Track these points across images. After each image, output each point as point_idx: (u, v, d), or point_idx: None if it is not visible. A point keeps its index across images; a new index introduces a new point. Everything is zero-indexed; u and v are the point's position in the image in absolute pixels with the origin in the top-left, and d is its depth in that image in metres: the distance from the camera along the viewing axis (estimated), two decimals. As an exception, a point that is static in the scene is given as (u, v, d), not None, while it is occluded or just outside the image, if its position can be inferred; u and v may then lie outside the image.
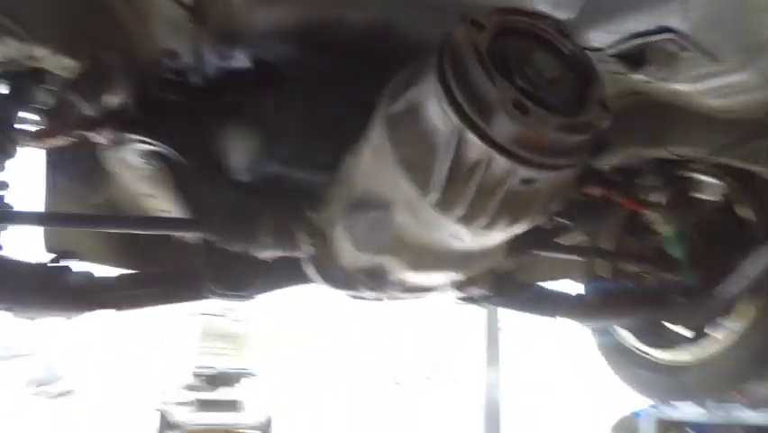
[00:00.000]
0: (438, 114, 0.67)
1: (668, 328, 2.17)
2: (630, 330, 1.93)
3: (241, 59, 1.24)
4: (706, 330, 2.00)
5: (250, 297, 1.35)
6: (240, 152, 1.29)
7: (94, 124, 1.18)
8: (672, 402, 4.06)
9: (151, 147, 1.34)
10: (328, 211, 1.10)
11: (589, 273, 1.97)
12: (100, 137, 1.25)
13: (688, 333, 2.15)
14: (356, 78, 1.18)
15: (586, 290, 1.91)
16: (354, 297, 1.25)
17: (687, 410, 4.02)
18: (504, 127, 0.64)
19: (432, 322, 15.86)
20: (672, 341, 2.20)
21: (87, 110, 1.12)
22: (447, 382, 14.96)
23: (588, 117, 0.68)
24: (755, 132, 1.13)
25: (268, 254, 1.24)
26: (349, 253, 1.07)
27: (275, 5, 1.10)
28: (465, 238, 0.82)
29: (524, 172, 0.68)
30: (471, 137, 0.65)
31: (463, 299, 1.35)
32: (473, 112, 0.65)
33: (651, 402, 4.57)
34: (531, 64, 0.69)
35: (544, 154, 0.67)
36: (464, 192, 0.71)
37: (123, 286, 1.37)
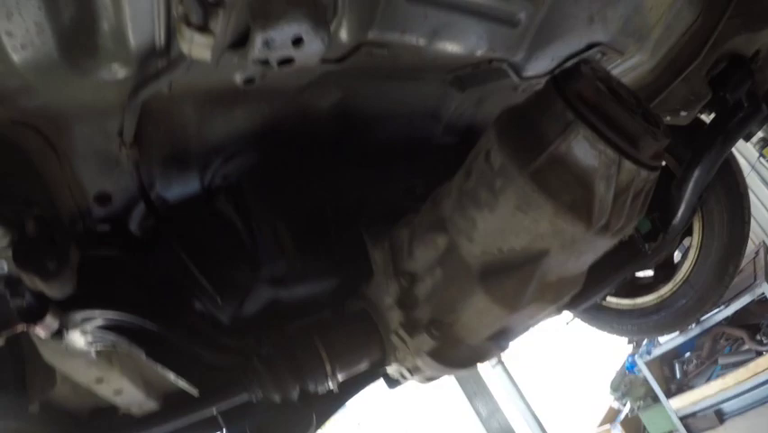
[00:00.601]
0: (592, 155, 0.78)
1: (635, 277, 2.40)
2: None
3: (193, 181, 1.07)
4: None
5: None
6: (222, 289, 1.11)
7: (34, 314, 0.92)
8: (656, 340, 4.42)
9: (105, 322, 1.08)
10: (442, 298, 0.99)
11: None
12: (40, 329, 0.96)
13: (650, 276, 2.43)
14: (326, 169, 1.15)
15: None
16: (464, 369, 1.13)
17: (666, 341, 4.38)
18: (648, 148, 0.81)
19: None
20: (641, 287, 2.43)
21: (28, 297, 0.88)
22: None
23: (663, 131, 0.87)
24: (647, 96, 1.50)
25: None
26: (482, 323, 0.98)
27: (236, 107, 0.98)
28: (605, 248, 0.91)
29: (653, 177, 0.84)
30: (627, 164, 0.79)
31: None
32: (625, 144, 0.79)
33: (629, 352, 4.89)
34: (622, 98, 0.85)
35: (660, 160, 0.86)
36: (623, 209, 0.83)
37: None
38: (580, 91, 0.81)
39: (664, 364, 4.79)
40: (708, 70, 1.63)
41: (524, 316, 0.97)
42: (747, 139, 2.00)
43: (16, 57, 0.71)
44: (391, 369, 1.16)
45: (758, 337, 4.26)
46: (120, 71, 0.78)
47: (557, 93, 0.82)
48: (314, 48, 0.75)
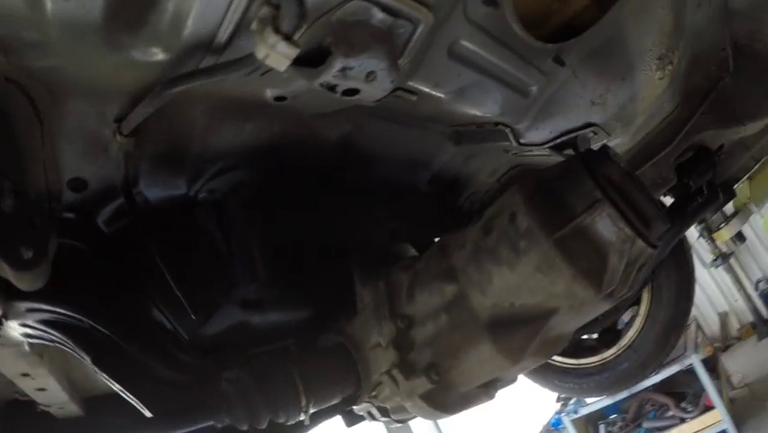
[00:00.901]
0: (612, 231, 0.88)
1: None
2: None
3: (179, 186, 1.02)
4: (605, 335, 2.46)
5: None
6: (192, 303, 1.05)
7: None
8: (583, 400, 4.55)
9: (52, 317, 0.99)
10: (444, 343, 1.01)
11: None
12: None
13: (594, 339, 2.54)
14: (315, 200, 1.14)
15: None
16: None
17: (593, 402, 4.52)
18: (657, 230, 0.94)
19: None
20: (585, 348, 2.54)
21: None
22: None
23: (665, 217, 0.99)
24: None
25: None
26: (482, 371, 1.01)
27: (250, 120, 0.96)
28: (601, 312, 1.01)
29: (652, 254, 0.94)
30: (639, 242, 0.89)
31: None
32: (640, 224, 0.90)
33: (557, 409, 4.99)
34: (637, 183, 0.96)
35: (660, 240, 0.98)
36: (627, 280, 0.92)
37: None
38: (608, 173, 0.91)
39: (590, 425, 4.93)
40: (676, 158, 1.79)
41: (519, 368, 1.02)
42: (701, 223, 2.17)
43: (51, 5, 0.62)
44: (360, 407, 1.16)
45: (683, 405, 4.48)
46: (157, 55, 0.72)
47: (587, 172, 0.91)
48: (382, 85, 0.77)
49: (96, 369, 1.02)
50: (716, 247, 5.91)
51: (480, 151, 1.38)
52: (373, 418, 1.17)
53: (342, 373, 1.09)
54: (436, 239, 1.37)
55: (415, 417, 1.11)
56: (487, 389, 1.06)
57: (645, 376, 2.67)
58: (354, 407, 1.16)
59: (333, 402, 1.10)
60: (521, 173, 1.60)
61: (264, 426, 1.00)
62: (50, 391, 1.36)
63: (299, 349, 1.20)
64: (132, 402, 1.05)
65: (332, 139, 1.10)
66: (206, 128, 0.94)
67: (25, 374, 1.24)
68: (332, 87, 0.76)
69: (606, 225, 0.87)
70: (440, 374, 0.99)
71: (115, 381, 1.01)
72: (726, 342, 6.41)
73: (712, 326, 6.53)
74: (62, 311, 0.95)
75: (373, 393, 1.09)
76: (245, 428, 1.00)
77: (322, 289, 1.17)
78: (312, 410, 1.04)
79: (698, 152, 1.90)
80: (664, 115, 1.55)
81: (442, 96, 0.99)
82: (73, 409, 1.46)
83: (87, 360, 1.01)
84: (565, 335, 1.04)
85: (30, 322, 1.00)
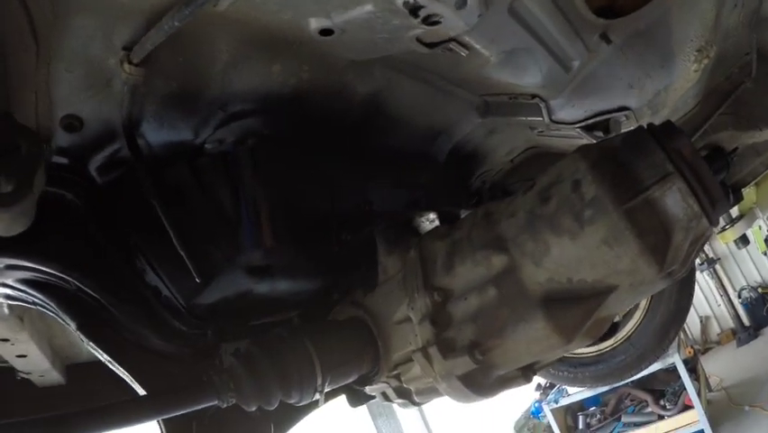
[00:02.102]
0: (681, 206, 0.84)
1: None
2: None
3: (186, 131, 0.91)
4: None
5: None
6: (194, 264, 0.93)
7: None
8: (564, 390, 4.59)
9: (34, 276, 0.88)
10: (489, 320, 0.93)
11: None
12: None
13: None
14: (333, 161, 1.05)
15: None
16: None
17: (574, 393, 4.56)
18: (721, 210, 0.89)
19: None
20: None
21: None
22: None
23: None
24: None
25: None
26: (529, 351, 0.94)
27: (279, 61, 0.86)
28: (653, 292, 1.02)
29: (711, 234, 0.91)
30: (704, 220, 0.85)
31: None
32: (707, 203, 0.85)
33: (536, 398, 5.04)
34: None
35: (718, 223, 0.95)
36: (687, 259, 0.88)
37: None
38: (679, 147, 0.86)
39: (569, 414, 5.00)
40: (691, 155, 1.76)
41: (568, 348, 0.95)
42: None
43: None
44: (374, 387, 1.07)
45: (662, 402, 4.56)
46: None
47: (657, 143, 0.86)
48: (469, 17, 0.71)
49: (82, 336, 0.92)
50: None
51: (503, 126, 1.32)
52: (387, 398, 1.08)
53: (361, 349, 1.00)
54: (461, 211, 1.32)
55: (435, 399, 1.04)
56: (526, 371, 0.99)
57: (641, 370, 2.68)
58: (368, 386, 1.07)
59: (349, 381, 1.01)
60: (536, 155, 1.55)
61: (274, 407, 0.90)
62: (30, 358, 1.28)
63: (312, 321, 1.12)
64: (123, 377, 0.95)
65: (360, 94, 1.02)
66: (229, 66, 0.83)
67: (4, 339, 1.17)
68: (415, 9, 0.69)
69: (675, 201, 0.84)
70: (484, 354, 0.92)
71: (103, 351, 0.92)
72: (705, 345, 6.54)
73: (693, 328, 6.63)
74: (45, 269, 0.84)
75: (395, 372, 1.01)
76: (253, 408, 0.89)
77: (336, 257, 1.09)
78: (327, 389, 0.95)
79: (712, 151, 1.90)
80: (686, 111, 1.52)
81: (490, 56, 0.92)
82: (55, 376, 1.39)
83: (72, 326, 0.91)
84: (612, 315, 0.99)
85: (9, 281, 0.89)
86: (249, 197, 0.94)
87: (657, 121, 1.43)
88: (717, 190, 0.86)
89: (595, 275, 0.88)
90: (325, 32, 0.79)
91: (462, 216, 1.30)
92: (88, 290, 0.88)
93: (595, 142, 1.27)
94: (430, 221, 1.35)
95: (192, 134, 0.92)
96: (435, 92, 1.12)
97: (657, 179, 0.84)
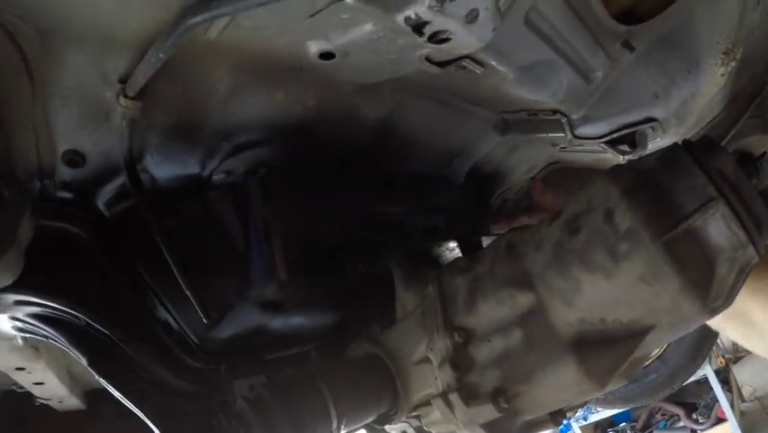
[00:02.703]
0: (725, 235, 0.76)
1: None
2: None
3: (192, 164, 0.89)
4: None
5: None
6: (203, 301, 0.90)
7: None
8: (593, 406, 4.45)
9: (43, 312, 0.87)
10: (516, 364, 0.87)
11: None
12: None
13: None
14: (346, 189, 1.01)
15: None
16: None
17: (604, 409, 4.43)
18: (765, 236, 0.81)
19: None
20: None
21: None
22: None
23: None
24: None
25: None
26: (560, 397, 0.86)
27: (282, 88, 0.83)
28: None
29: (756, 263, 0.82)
30: (751, 249, 0.76)
31: None
32: (753, 229, 0.76)
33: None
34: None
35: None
36: (733, 293, 0.79)
37: None
38: (720, 166, 0.77)
39: (599, 431, 4.83)
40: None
41: (602, 392, 0.88)
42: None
43: None
44: (393, 428, 1.02)
45: (694, 416, 4.38)
46: None
47: (696, 164, 0.77)
48: (481, 32, 0.66)
49: (93, 373, 0.90)
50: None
51: (523, 143, 1.26)
52: None
53: (379, 390, 0.94)
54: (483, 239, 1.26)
55: None
56: (555, 415, 0.91)
57: (674, 389, 2.54)
58: (387, 428, 1.02)
59: (366, 422, 0.96)
60: (555, 172, 1.49)
61: None
62: (48, 386, 1.27)
63: (325, 357, 1.07)
64: (137, 414, 0.92)
65: (370, 118, 0.97)
66: (229, 95, 0.80)
67: (20, 368, 1.16)
68: (419, 27, 0.63)
69: (719, 228, 0.75)
70: (509, 401, 0.84)
71: (114, 387, 0.89)
72: (736, 354, 6.30)
73: (723, 337, 6.37)
74: (53, 305, 0.83)
75: (414, 413, 0.95)
76: None
77: (352, 291, 1.04)
78: (343, 432, 0.91)
79: (740, 157, 1.83)
80: (712, 117, 1.45)
81: (508, 72, 0.86)
82: (74, 402, 1.38)
83: (83, 361, 0.89)
84: (649, 354, 0.92)
85: (20, 315, 0.89)
86: (259, 229, 0.91)
87: (684, 131, 1.37)
88: (764, 213, 0.78)
89: (631, 315, 0.79)
90: (326, 55, 0.75)
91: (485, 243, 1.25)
92: (97, 326, 0.86)
93: (623, 160, 1.21)
94: (450, 250, 1.28)
95: (198, 167, 0.90)
96: (451, 112, 1.06)
97: (698, 205, 0.75)
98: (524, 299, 0.83)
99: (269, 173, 0.91)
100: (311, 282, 0.98)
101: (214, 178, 0.91)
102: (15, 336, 1.04)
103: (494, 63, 0.82)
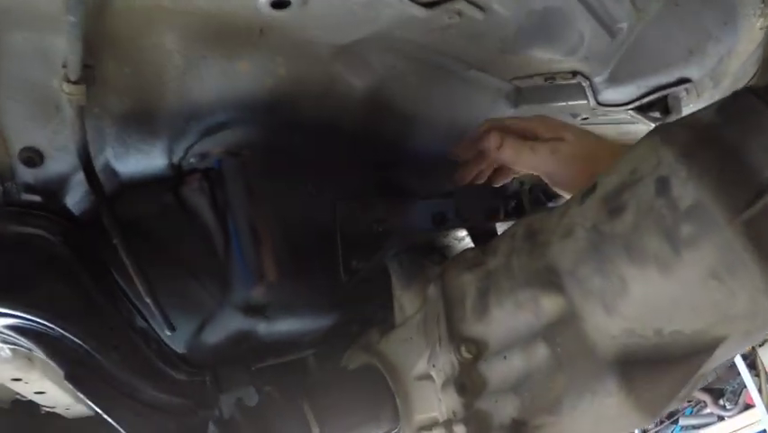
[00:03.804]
0: None
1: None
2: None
3: (158, 154, 0.79)
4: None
5: None
6: (181, 308, 0.83)
7: None
8: None
9: (17, 322, 0.80)
10: (539, 389, 0.67)
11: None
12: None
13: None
14: (337, 173, 0.89)
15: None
16: None
17: None
18: None
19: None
20: None
21: None
22: None
23: None
24: None
25: None
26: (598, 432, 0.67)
27: (242, 56, 0.71)
28: None
29: None
30: None
31: None
32: None
33: None
34: None
35: None
36: None
37: None
38: None
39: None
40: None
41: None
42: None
43: None
44: None
45: (721, 402, 4.27)
46: None
47: None
48: None
49: (72, 386, 0.81)
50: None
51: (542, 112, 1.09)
52: None
53: (376, 408, 0.80)
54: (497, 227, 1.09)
55: None
56: None
57: (707, 380, 2.40)
58: None
59: None
60: None
61: None
62: (49, 394, 1.22)
63: (324, 364, 0.96)
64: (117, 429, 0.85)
65: (357, 89, 0.83)
66: (184, 70, 0.69)
67: (16, 379, 1.12)
68: None
69: None
70: None
71: (93, 402, 0.81)
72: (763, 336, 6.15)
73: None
74: (26, 316, 0.77)
75: None
76: None
77: (348, 289, 0.92)
78: None
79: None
80: (747, 81, 1.33)
81: (515, 19, 0.72)
82: (80, 409, 1.33)
83: (62, 375, 0.81)
84: (710, 370, 0.70)
85: None
86: (240, 223, 0.81)
87: (719, 96, 1.26)
88: None
89: (696, 324, 0.58)
90: (279, 4, 0.63)
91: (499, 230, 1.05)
92: (71, 337, 0.78)
93: (665, 122, 1.08)
94: (459, 240, 1.09)
95: (165, 157, 0.80)
96: (454, 81, 0.93)
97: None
98: (550, 304, 0.63)
99: (248, 159, 0.80)
100: (297, 283, 0.86)
101: (187, 163, 0.81)
102: (2, 347, 1.00)
103: (496, 5, 0.67)
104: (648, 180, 0.57)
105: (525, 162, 0.86)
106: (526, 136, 0.87)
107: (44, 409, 1.34)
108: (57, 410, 1.34)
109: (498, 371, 0.67)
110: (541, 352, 0.64)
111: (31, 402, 1.29)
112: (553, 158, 0.83)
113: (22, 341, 0.84)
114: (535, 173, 0.88)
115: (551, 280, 0.63)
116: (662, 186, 0.56)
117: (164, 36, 0.66)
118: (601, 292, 0.59)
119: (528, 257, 0.67)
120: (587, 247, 0.60)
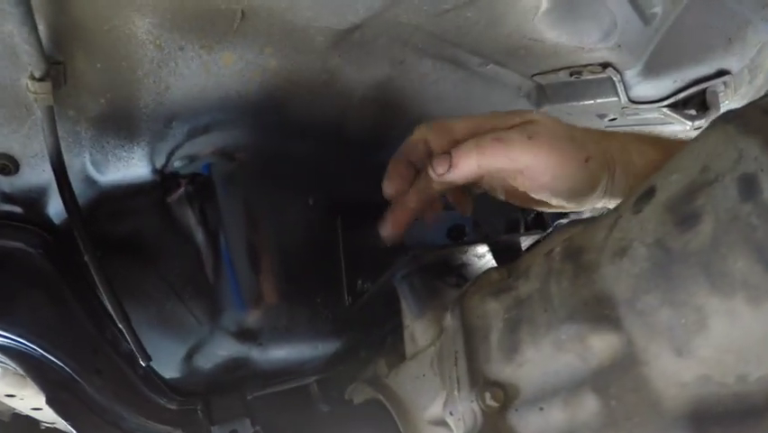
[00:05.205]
0: None
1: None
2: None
3: (140, 160, 0.72)
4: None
5: None
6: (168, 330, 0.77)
7: None
8: None
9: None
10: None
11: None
12: None
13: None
14: (340, 179, 0.81)
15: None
16: None
17: None
18: None
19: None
20: None
21: None
22: None
23: None
24: None
25: None
26: None
27: (227, 47, 0.63)
28: None
29: None
30: None
31: None
32: None
33: None
34: None
35: None
36: None
37: None
38: None
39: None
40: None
41: None
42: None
43: None
44: None
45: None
46: None
47: None
48: None
49: (53, 411, 0.76)
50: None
51: (563, 116, 0.96)
52: None
53: None
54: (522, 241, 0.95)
55: None
56: None
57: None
58: None
59: None
60: None
61: None
62: (46, 411, 1.18)
63: (328, 392, 0.88)
64: None
65: (360, 85, 0.75)
66: (159, 64, 0.61)
67: (10, 395, 1.08)
68: None
69: None
70: None
71: (76, 430, 0.76)
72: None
73: None
74: (6, 334, 0.71)
75: None
76: None
77: (353, 312, 0.84)
78: None
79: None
80: None
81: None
82: (82, 425, 1.29)
83: (43, 399, 0.76)
84: None
85: None
86: (230, 237, 0.73)
87: (753, 93, 1.13)
88: None
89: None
90: None
91: (524, 243, 0.91)
92: (52, 358, 0.73)
93: (692, 128, 0.95)
94: (479, 257, 0.93)
95: (147, 163, 0.72)
96: (470, 77, 0.85)
97: None
98: (602, 344, 0.49)
99: (238, 167, 0.73)
100: (295, 306, 0.78)
101: (171, 169, 0.74)
102: (-7, 365, 0.95)
103: None
104: (728, 180, 0.43)
105: (496, 160, 0.63)
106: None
107: (44, 425, 1.31)
108: (57, 426, 1.31)
109: (533, 424, 0.53)
110: (589, 404, 0.50)
111: (28, 418, 1.26)
112: (532, 144, 0.62)
113: (6, 361, 0.80)
114: (506, 174, 0.66)
115: (602, 312, 0.49)
116: (748, 187, 0.43)
117: (134, 23, 0.59)
118: (670, 329, 0.45)
119: (571, 283, 0.52)
120: (650, 270, 0.46)
